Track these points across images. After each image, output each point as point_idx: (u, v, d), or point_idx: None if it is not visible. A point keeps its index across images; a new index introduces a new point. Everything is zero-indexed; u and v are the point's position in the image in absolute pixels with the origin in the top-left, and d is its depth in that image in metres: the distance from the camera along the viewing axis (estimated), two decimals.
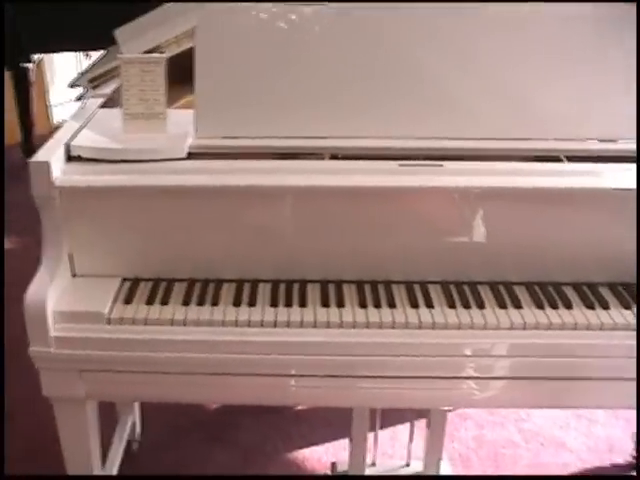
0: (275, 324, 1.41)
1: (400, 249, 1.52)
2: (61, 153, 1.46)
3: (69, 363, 1.42)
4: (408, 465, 1.99)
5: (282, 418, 2.28)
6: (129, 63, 1.51)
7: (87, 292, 1.46)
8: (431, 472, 1.92)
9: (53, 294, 1.41)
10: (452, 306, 1.46)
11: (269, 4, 1.56)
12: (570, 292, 1.51)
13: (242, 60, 1.55)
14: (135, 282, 1.51)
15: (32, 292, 1.39)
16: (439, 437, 1.88)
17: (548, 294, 1.50)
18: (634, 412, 2.16)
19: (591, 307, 1.47)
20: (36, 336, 1.40)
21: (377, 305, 1.45)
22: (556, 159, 1.58)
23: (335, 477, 1.92)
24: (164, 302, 1.45)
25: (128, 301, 1.45)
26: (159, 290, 1.48)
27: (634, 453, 2.19)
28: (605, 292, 1.52)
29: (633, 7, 1.61)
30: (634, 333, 1.43)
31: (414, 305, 1.46)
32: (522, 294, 1.50)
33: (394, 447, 2.20)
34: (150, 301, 1.45)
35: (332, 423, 2.26)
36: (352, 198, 1.48)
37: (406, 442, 1.95)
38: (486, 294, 1.50)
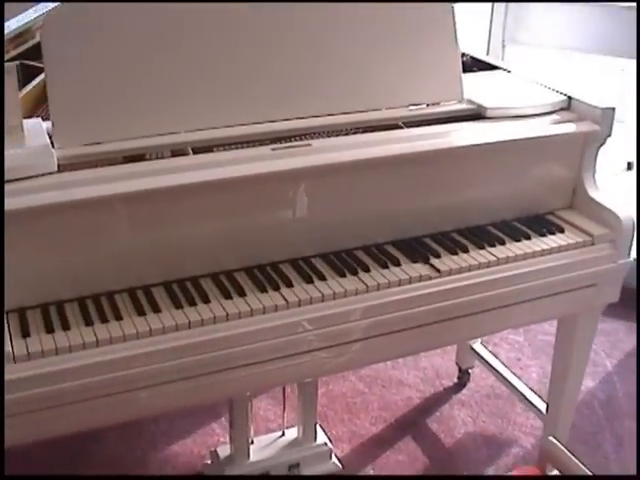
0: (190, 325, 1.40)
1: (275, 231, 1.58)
2: None
3: None
4: (283, 434, 2.05)
5: (138, 421, 2.21)
6: None
7: None
8: (309, 438, 2.01)
9: None
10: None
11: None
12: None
13: (93, 62, 1.47)
14: (21, 312, 1.39)
15: None
16: (312, 402, 1.98)
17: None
18: None
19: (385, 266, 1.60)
20: None
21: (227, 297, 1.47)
22: (396, 127, 1.72)
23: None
24: (65, 327, 1.36)
25: (25, 334, 1.34)
26: (51, 316, 1.38)
27: (458, 374, 2.46)
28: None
29: None
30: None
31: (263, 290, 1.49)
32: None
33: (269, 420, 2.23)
34: (49, 329, 1.35)
35: (188, 413, 2.25)
36: (232, 189, 1.49)
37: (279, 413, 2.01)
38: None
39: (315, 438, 2.02)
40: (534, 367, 2.52)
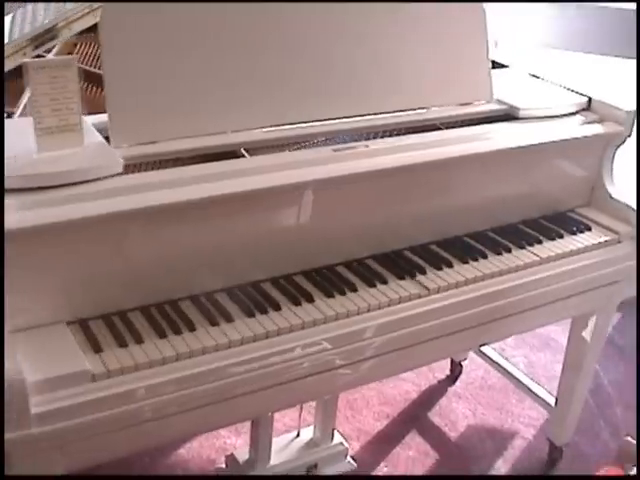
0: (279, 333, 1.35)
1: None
2: None
3: (50, 441, 1.18)
4: (299, 435, 2.02)
5: None
6: (37, 68, 1.25)
7: (43, 349, 1.22)
8: (326, 438, 1.98)
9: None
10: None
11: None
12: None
13: (151, 58, 1.39)
14: (84, 324, 1.30)
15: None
16: (331, 403, 1.95)
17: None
18: None
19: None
20: (13, 419, 1.14)
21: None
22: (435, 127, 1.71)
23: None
24: (139, 340, 1.27)
25: (97, 349, 1.25)
26: (119, 327, 1.30)
27: (450, 367, 2.49)
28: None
29: None
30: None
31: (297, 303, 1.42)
32: None
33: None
34: (121, 342, 1.26)
35: None
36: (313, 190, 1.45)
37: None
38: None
39: (332, 438, 2.00)
40: (519, 357, 2.58)
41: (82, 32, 1.64)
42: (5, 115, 1.58)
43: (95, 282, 1.30)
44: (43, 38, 1.52)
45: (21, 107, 1.65)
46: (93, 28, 1.60)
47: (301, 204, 1.46)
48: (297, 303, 1.41)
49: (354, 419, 2.25)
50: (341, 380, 1.49)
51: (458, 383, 2.45)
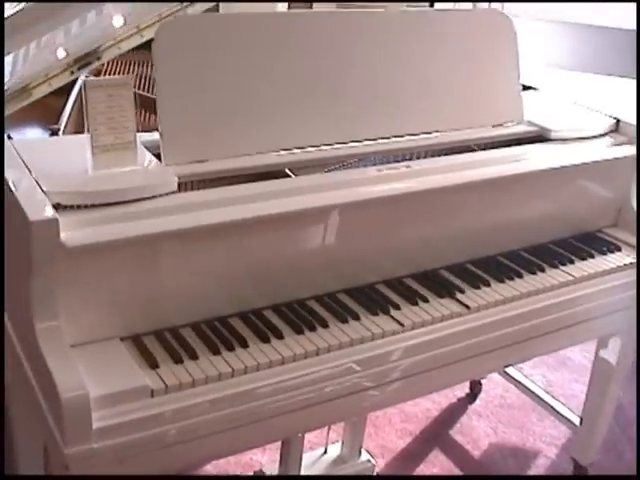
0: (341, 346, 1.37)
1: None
2: (48, 204, 1.19)
3: (110, 455, 1.19)
4: (326, 452, 2.03)
5: None
6: (95, 87, 1.27)
7: (101, 365, 1.23)
8: (354, 455, 1.99)
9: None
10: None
11: (226, 14, 1.43)
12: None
13: (204, 77, 1.41)
14: (137, 340, 1.31)
15: (64, 383, 1.13)
16: (360, 420, 1.96)
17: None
18: None
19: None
20: (75, 434, 1.14)
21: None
22: (469, 149, 1.74)
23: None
24: (193, 356, 1.29)
25: (153, 365, 1.26)
26: (172, 344, 1.31)
27: (470, 385, 2.50)
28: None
29: (505, 18, 1.80)
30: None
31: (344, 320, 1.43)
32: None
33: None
34: (176, 359, 1.28)
35: None
36: (360, 211, 1.47)
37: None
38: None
39: (360, 455, 2.01)
40: (537, 376, 2.59)
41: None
42: (50, 132, 1.60)
43: (148, 299, 1.31)
44: (90, 57, 1.53)
45: (63, 124, 1.68)
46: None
47: (344, 223, 1.48)
48: (344, 320, 1.43)
49: (377, 436, 2.26)
50: (373, 400, 1.48)
51: (478, 401, 2.47)
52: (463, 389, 2.49)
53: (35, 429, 1.61)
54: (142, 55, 2.07)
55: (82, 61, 1.54)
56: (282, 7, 2.65)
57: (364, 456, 2.01)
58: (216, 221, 1.29)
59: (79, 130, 1.74)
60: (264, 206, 1.35)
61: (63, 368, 1.15)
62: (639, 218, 1.84)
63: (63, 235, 1.16)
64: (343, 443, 1.99)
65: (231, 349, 1.31)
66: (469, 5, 2.87)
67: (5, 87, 1.50)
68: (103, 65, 1.93)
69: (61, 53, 1.57)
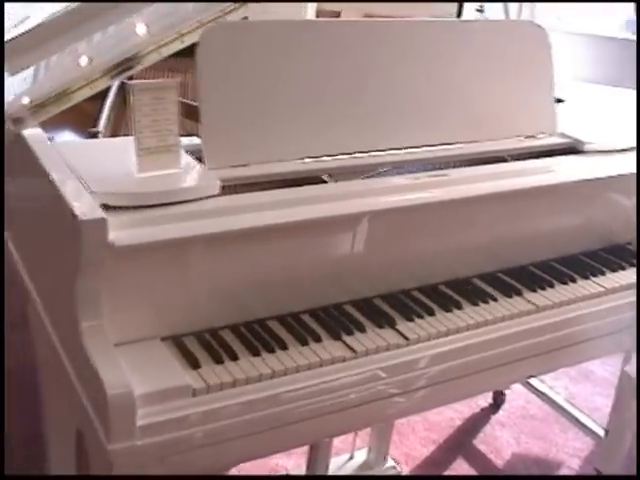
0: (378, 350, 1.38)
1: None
2: (96, 204, 1.21)
3: (152, 453, 1.21)
4: (352, 457, 2.04)
5: None
6: (141, 90, 1.29)
7: (143, 363, 1.25)
8: (380, 461, 2.00)
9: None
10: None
11: (269, 21, 1.46)
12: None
13: (247, 81, 1.43)
14: (177, 340, 1.33)
15: (110, 380, 1.15)
16: (387, 426, 1.98)
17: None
18: None
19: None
20: (120, 431, 1.16)
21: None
22: (501, 159, 1.75)
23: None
24: (234, 357, 1.30)
25: (195, 365, 1.27)
26: (213, 345, 1.32)
27: (493, 395, 2.51)
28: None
29: (540, 30, 1.82)
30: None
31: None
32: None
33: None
34: (217, 359, 1.29)
35: None
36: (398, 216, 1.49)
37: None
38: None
39: (385, 461, 2.02)
40: (560, 388, 2.59)
41: None
42: (89, 135, 1.63)
43: (189, 299, 1.32)
44: (132, 62, 1.55)
45: (101, 127, 1.70)
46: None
47: (380, 230, 1.49)
48: (380, 326, 1.44)
49: (402, 444, 2.26)
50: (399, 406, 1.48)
51: (501, 412, 2.47)
52: (486, 399, 2.50)
53: (68, 426, 1.65)
54: (174, 62, 2.09)
55: (123, 65, 1.56)
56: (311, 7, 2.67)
57: (389, 462, 2.03)
58: (260, 224, 1.31)
59: (116, 133, 1.76)
60: (304, 210, 1.37)
61: (108, 366, 1.17)
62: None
63: (111, 235, 1.18)
64: (370, 449, 2.00)
65: (271, 351, 1.32)
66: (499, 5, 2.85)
67: (47, 90, 1.52)
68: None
69: (101, 57, 1.59)
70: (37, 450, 1.89)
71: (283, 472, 1.98)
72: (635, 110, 1.90)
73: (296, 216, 1.34)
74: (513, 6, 2.97)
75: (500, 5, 3.05)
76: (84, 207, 1.18)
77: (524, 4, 3.11)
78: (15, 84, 1.70)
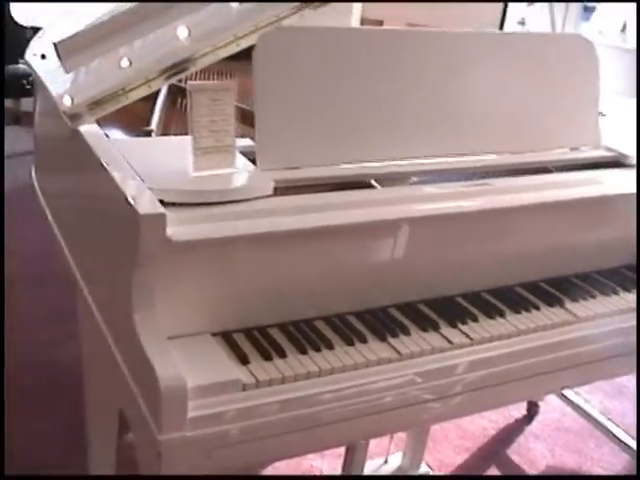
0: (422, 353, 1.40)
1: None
2: (155, 200, 1.24)
3: (201, 444, 1.23)
4: (386, 462, 2.05)
5: None
6: (199, 91, 1.32)
7: (194, 357, 1.28)
8: (415, 466, 2.01)
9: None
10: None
11: (324, 27, 1.49)
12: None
13: (302, 85, 1.46)
14: (227, 336, 1.35)
15: (163, 372, 1.18)
16: (423, 431, 1.99)
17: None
18: None
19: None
20: (171, 421, 1.19)
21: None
22: (545, 169, 1.76)
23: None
24: (282, 355, 1.33)
25: (244, 361, 1.30)
26: (262, 342, 1.35)
27: (527, 406, 2.51)
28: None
29: (589, 43, 1.83)
30: None
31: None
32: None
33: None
34: (266, 356, 1.32)
35: None
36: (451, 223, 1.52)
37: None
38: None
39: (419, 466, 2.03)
40: (595, 402, 2.59)
41: None
42: (143, 134, 1.67)
43: (239, 297, 1.35)
44: (188, 63, 1.58)
45: (154, 126, 1.74)
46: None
47: (425, 235, 1.51)
48: (424, 330, 1.46)
49: (435, 450, 2.27)
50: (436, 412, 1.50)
51: (535, 423, 2.47)
52: (520, 410, 2.49)
53: (110, 419, 1.68)
54: (224, 66, 2.12)
55: (179, 66, 1.59)
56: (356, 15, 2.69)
57: (424, 468, 2.04)
58: (311, 225, 1.34)
59: (166, 132, 1.80)
60: (352, 214, 1.39)
61: (162, 358, 1.20)
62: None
63: (168, 230, 1.21)
64: (404, 454, 2.01)
65: (317, 350, 1.35)
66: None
67: (104, 88, 1.56)
68: None
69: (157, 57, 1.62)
70: (78, 443, 1.93)
71: (317, 473, 2.00)
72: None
73: (344, 219, 1.37)
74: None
75: (543, 21, 3.07)
76: (144, 202, 1.21)
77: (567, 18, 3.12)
78: (70, 81, 1.75)
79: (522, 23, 3.70)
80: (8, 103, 4.66)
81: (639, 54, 2.28)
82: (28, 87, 3.85)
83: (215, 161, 1.36)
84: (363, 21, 2.97)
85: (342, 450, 1.93)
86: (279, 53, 1.43)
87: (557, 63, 1.77)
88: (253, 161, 1.43)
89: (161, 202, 1.26)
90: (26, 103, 4.59)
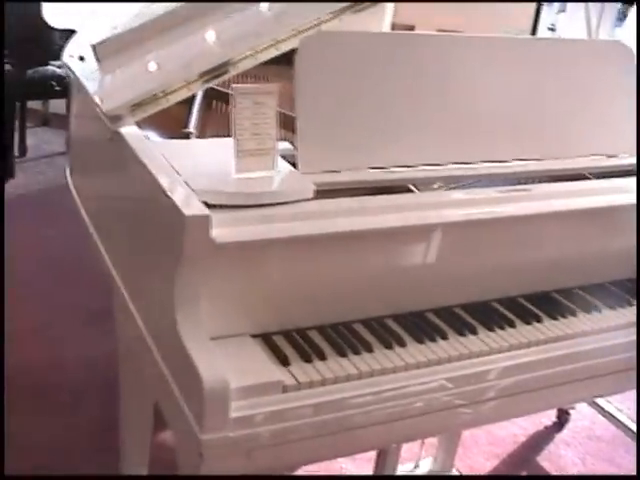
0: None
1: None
2: (199, 202, 1.25)
3: (242, 445, 1.24)
4: (417, 466, 2.05)
5: None
6: (243, 94, 1.33)
7: (235, 358, 1.29)
8: (446, 471, 2.01)
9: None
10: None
11: (364, 32, 1.50)
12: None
13: (342, 89, 1.47)
14: (267, 338, 1.36)
15: (207, 373, 1.19)
16: (455, 435, 1.98)
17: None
18: None
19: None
20: (214, 421, 1.20)
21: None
22: (582, 176, 1.76)
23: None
24: (322, 357, 1.33)
25: (285, 362, 1.31)
26: (301, 344, 1.36)
27: (557, 414, 2.49)
28: None
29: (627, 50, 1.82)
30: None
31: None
32: None
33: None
34: (306, 358, 1.32)
35: None
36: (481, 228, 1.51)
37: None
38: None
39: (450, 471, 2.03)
40: (626, 410, 2.56)
41: None
42: (182, 135, 1.69)
43: (280, 299, 1.36)
44: (228, 66, 1.59)
45: (192, 128, 1.76)
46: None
47: (463, 240, 1.51)
48: (462, 334, 1.46)
49: (465, 456, 2.27)
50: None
51: (565, 431, 2.45)
52: (550, 417, 2.48)
53: (144, 415, 1.70)
54: (259, 69, 2.13)
55: (219, 70, 1.60)
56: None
57: (454, 473, 2.03)
58: (351, 229, 1.34)
59: (202, 135, 1.81)
60: (390, 218, 1.39)
61: (205, 359, 1.21)
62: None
63: (213, 232, 1.22)
64: (435, 459, 2.01)
65: (357, 352, 1.35)
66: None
67: (146, 90, 1.57)
68: None
69: (198, 60, 1.64)
70: (111, 442, 1.95)
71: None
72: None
73: (384, 223, 1.37)
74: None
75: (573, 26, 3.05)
76: (189, 203, 1.22)
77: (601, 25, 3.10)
78: (110, 82, 1.77)
79: (552, 29, 3.66)
80: (37, 105, 4.71)
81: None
82: (57, 89, 3.90)
83: (257, 164, 1.36)
84: (394, 26, 2.97)
85: (372, 454, 1.94)
86: (321, 57, 1.44)
87: (595, 69, 1.77)
88: (292, 164, 1.44)
89: (204, 203, 1.27)
90: (54, 105, 4.63)
